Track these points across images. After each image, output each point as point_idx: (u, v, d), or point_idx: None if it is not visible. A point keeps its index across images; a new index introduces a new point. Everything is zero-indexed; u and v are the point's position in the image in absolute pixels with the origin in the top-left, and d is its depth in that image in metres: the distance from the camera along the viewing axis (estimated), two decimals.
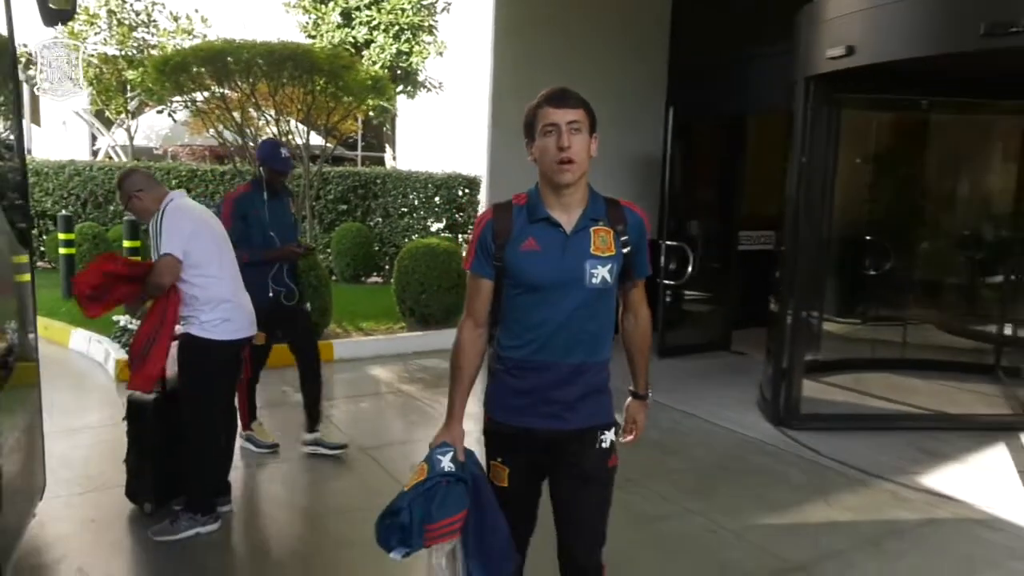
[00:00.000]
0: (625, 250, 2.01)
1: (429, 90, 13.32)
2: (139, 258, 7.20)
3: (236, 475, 3.83)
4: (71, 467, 3.99)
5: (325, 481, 4.14)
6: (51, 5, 3.13)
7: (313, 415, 4.36)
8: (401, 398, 5.71)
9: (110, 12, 12.23)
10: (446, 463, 1.98)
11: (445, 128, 12.29)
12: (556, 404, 2.01)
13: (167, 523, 3.31)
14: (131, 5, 12.44)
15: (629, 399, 2.28)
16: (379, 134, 16.41)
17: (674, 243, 6.98)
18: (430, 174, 11.72)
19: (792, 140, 5.08)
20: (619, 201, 2.08)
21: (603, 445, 2.07)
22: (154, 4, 12.55)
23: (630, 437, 2.25)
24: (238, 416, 3.81)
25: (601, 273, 1.97)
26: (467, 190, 10.63)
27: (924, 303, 7.07)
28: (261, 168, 4.23)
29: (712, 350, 7.44)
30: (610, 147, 7.69)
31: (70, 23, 12.11)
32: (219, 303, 3.29)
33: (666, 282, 7.01)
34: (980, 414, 5.53)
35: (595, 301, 2.00)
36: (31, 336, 3.09)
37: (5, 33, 2.98)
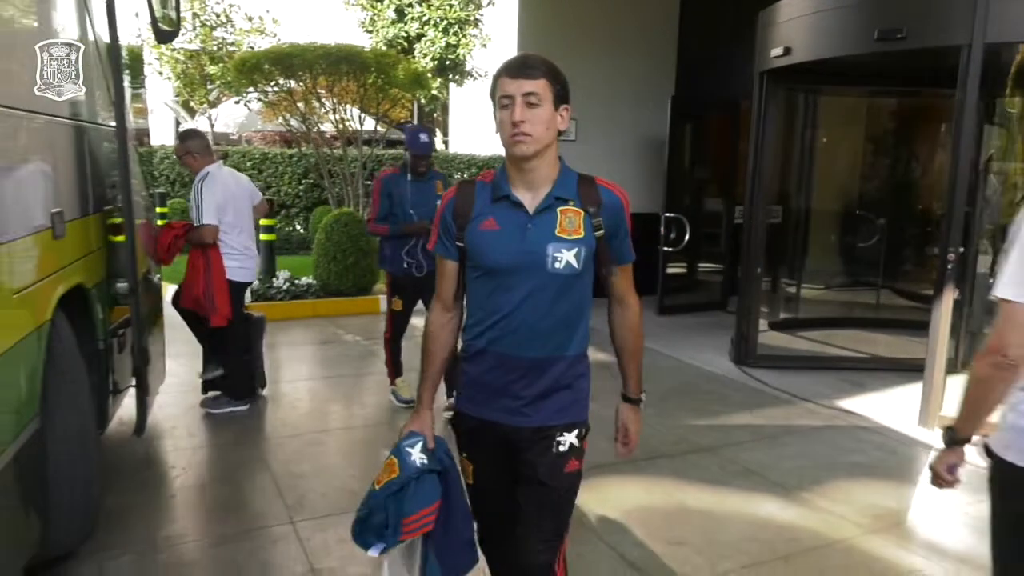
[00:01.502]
0: (597, 233, 1.81)
1: (475, 79, 14.48)
2: (272, 237, 8.56)
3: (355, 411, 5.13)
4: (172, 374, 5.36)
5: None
6: (162, 26, 4.39)
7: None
8: None
9: (194, 15, 13.81)
10: (416, 455, 1.89)
11: (489, 113, 13.44)
12: (517, 399, 1.85)
13: (212, 401, 4.72)
14: (212, 8, 14.00)
15: (619, 403, 2.06)
16: (432, 119, 17.69)
17: (672, 214, 8.00)
18: (473, 155, 12.93)
19: (751, 125, 6.05)
20: (595, 179, 1.87)
21: (560, 448, 1.89)
22: (232, 6, 14.10)
23: (623, 448, 2.06)
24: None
25: (566, 257, 1.77)
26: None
27: (868, 270, 7.85)
28: (406, 151, 4.62)
29: (708, 310, 8.43)
30: (624, 129, 8.78)
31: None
32: (236, 254, 4.54)
33: (665, 248, 8.04)
34: (915, 358, 6.39)
35: (560, 288, 1.80)
36: (156, 272, 4.43)
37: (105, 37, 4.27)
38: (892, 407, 5.11)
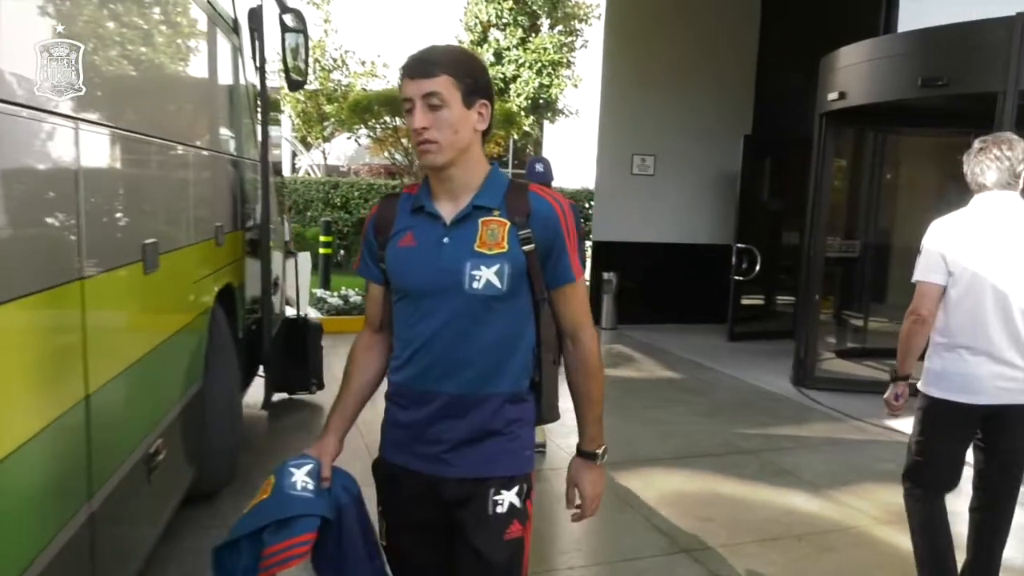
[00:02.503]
0: (526, 247, 1.56)
1: (567, 116, 15.32)
2: (329, 251, 9.71)
3: None
4: None
5: None
6: (293, 76, 5.33)
7: None
8: None
9: (315, 60, 15.31)
10: (300, 478, 1.61)
11: (579, 149, 14.21)
12: (436, 443, 1.60)
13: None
14: (330, 53, 15.49)
15: (572, 457, 1.76)
16: (523, 155, 18.67)
17: (744, 245, 8.44)
18: (561, 188, 13.67)
19: (812, 162, 6.51)
20: (528, 186, 1.63)
21: (498, 509, 1.59)
22: (347, 52, 15.57)
23: (575, 512, 1.74)
24: None
25: (486, 276, 1.53)
26: (591, 202, 12.47)
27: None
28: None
29: (779, 338, 8.74)
30: (699, 164, 9.25)
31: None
32: None
33: (736, 278, 8.47)
34: None
35: (480, 312, 1.56)
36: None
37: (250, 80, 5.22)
38: None
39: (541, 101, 14.87)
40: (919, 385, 2.78)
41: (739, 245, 8.43)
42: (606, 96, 9.30)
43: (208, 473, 3.56)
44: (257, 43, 4.48)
